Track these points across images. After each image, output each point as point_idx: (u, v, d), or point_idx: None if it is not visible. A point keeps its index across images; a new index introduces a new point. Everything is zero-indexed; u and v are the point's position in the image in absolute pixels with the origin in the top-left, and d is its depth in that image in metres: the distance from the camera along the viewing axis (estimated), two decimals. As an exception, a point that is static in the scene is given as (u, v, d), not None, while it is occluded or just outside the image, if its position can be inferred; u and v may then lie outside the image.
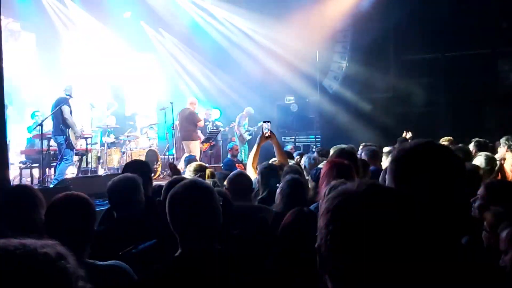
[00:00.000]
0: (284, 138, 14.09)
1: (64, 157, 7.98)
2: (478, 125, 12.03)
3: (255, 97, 13.57)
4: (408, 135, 8.27)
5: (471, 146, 5.35)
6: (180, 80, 14.24)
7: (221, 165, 9.85)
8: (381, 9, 12.01)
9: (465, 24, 12.37)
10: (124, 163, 9.80)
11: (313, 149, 11.82)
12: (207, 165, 4.98)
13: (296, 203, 2.61)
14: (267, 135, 4.31)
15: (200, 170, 4.08)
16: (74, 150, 8.20)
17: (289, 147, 10.59)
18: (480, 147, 5.18)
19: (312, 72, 13.33)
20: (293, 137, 13.89)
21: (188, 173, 4.18)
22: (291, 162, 5.62)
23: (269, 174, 3.57)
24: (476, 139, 5.51)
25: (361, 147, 6.25)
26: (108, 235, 2.55)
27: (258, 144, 4.31)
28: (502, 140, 5.05)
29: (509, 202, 2.16)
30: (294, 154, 6.76)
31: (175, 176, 3.37)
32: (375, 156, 5.03)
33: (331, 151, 4.16)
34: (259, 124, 11.06)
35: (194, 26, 13.74)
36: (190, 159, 6.10)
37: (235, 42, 13.94)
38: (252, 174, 4.02)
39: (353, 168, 2.93)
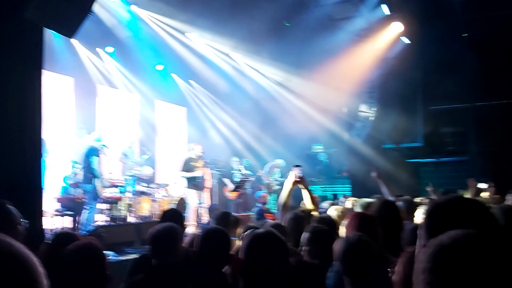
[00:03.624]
0: (313, 188, 14.02)
1: (88, 206, 8.09)
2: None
3: (283, 148, 13.67)
4: (429, 188, 8.09)
5: (509, 200, 5.14)
6: (212, 131, 14.51)
7: (248, 213, 9.83)
8: (408, 60, 12.17)
9: (493, 73, 12.36)
10: (155, 211, 9.93)
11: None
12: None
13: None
14: (297, 179, 4.22)
15: (224, 218, 4.04)
16: (98, 199, 8.30)
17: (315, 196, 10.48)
18: None
19: (340, 121, 13.44)
20: (321, 186, 13.80)
21: (214, 222, 4.13)
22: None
23: (299, 224, 3.52)
24: None
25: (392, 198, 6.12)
26: (148, 283, 2.59)
27: (289, 189, 4.18)
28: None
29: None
30: (324, 204, 6.66)
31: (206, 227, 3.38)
32: (411, 208, 4.50)
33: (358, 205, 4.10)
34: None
35: (223, 77, 14.08)
36: (213, 208, 6.10)
37: (266, 93, 14.24)
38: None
39: (377, 221, 2.88)
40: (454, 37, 12.21)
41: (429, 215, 1.35)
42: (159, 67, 13.04)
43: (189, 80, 14.30)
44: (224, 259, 2.50)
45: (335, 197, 13.06)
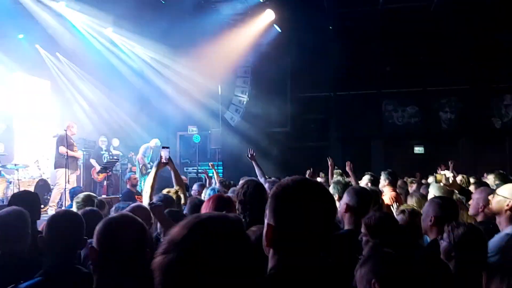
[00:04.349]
0: (187, 169, 14.07)
1: None
2: (367, 160, 13.09)
3: (158, 127, 13.44)
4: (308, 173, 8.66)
5: (365, 180, 5.63)
6: (78, 108, 13.61)
7: (118, 196, 9.53)
8: (280, 48, 12.75)
9: (354, 65, 13.55)
10: (11, 194, 9.08)
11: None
12: (103, 196, 4.81)
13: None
14: (164, 161, 4.16)
15: (88, 201, 3.92)
16: None
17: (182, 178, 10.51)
18: (372, 182, 5.50)
19: (215, 104, 13.62)
20: (195, 167, 13.91)
21: (76, 205, 4.00)
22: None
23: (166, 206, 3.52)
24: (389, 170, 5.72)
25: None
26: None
27: (156, 171, 4.10)
28: (383, 175, 5.45)
29: (385, 235, 2.43)
30: (195, 185, 6.75)
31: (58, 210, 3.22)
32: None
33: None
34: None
35: (95, 53, 13.31)
36: (76, 191, 5.80)
37: (138, 72, 13.77)
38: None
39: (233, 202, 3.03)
40: (321, 29, 13.05)
41: (273, 196, 1.39)
42: (21, 36, 11.84)
43: (56, 53, 13.22)
44: (76, 245, 2.40)
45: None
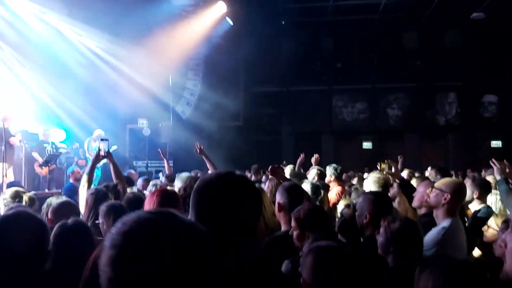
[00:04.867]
0: (136, 163, 13.71)
1: None
2: (319, 154, 13.24)
3: (106, 120, 12.98)
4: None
5: (313, 174, 5.62)
6: (21, 98, 12.91)
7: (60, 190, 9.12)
8: (232, 41, 12.64)
9: (306, 61, 13.66)
10: None
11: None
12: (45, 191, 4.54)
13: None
14: (103, 154, 3.97)
15: (16, 197, 3.68)
16: None
17: (132, 172, 10.21)
18: (320, 176, 5.51)
19: (166, 97, 13.33)
20: (145, 161, 13.58)
21: (3, 201, 3.74)
22: (134, 189, 5.44)
23: (100, 199, 3.35)
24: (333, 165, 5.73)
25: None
26: None
27: (93, 164, 3.95)
28: (328, 170, 5.47)
29: (315, 228, 2.40)
30: (140, 180, 6.53)
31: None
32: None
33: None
34: (113, 148, 10.56)
35: (41, 43, 12.65)
36: (14, 186, 5.48)
37: (87, 62, 13.24)
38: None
39: (178, 196, 2.93)
40: (274, 24, 13.06)
41: (196, 191, 1.33)
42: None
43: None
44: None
45: (156, 172, 13.02)
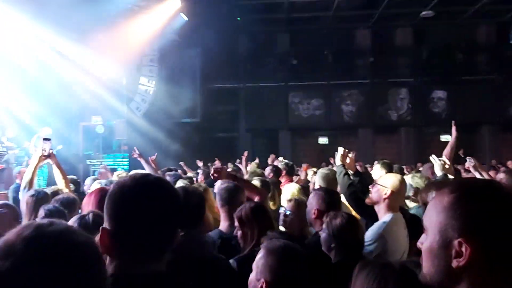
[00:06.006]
0: (90, 161, 13.36)
1: None
2: (275, 151, 13.34)
3: (58, 118, 12.54)
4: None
5: (268, 170, 5.63)
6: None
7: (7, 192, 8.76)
8: (187, 37, 12.50)
9: (262, 58, 13.70)
10: None
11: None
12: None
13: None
14: (46, 154, 3.81)
15: None
16: None
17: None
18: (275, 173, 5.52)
19: (120, 94, 13.03)
20: (99, 160, 13.24)
21: None
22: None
23: (40, 201, 3.22)
24: (285, 161, 5.71)
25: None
26: None
27: (35, 165, 3.77)
28: (280, 165, 5.52)
29: (258, 225, 2.42)
30: (88, 180, 6.25)
31: None
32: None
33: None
34: (58, 148, 10.21)
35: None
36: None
37: (36, 58, 12.70)
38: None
39: None
40: (229, 20, 13.01)
41: (109, 196, 1.25)
42: None
43: None
44: None
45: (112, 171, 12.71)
